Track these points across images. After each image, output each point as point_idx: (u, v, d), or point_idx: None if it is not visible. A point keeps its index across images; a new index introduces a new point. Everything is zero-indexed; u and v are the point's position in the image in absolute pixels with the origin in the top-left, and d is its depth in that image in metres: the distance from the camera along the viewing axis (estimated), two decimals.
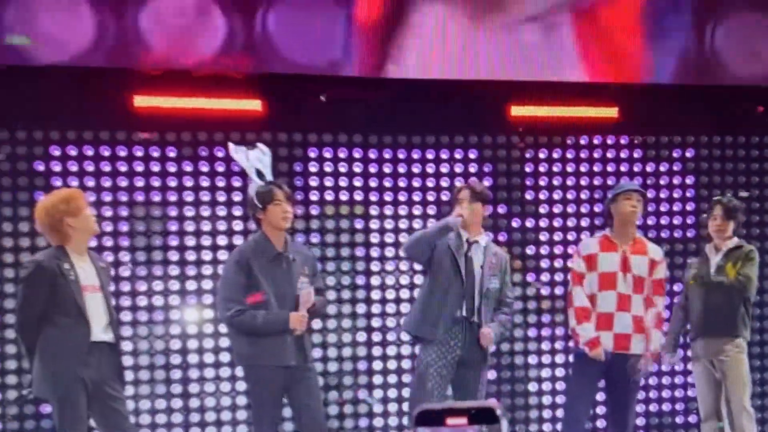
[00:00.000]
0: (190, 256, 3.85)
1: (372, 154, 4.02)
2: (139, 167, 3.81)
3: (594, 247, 3.34)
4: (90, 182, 3.73)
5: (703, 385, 3.54)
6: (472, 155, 4.10)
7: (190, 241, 3.86)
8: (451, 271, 3.14)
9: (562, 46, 3.99)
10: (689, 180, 4.31)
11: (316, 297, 3.08)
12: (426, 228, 3.36)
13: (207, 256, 3.86)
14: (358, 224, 4.00)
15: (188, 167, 3.85)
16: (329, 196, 3.98)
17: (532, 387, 4.14)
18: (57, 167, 3.74)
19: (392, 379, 3.98)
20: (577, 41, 4.02)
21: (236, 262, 3.04)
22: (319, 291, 3.17)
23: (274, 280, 3.01)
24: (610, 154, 4.25)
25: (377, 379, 3.99)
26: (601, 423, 4.04)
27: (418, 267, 3.77)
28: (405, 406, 3.82)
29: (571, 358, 3.81)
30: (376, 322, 4.00)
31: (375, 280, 4.01)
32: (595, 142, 4.23)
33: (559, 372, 4.13)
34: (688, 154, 4.32)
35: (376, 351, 3.99)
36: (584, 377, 3.37)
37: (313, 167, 3.96)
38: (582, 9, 4.03)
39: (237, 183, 3.88)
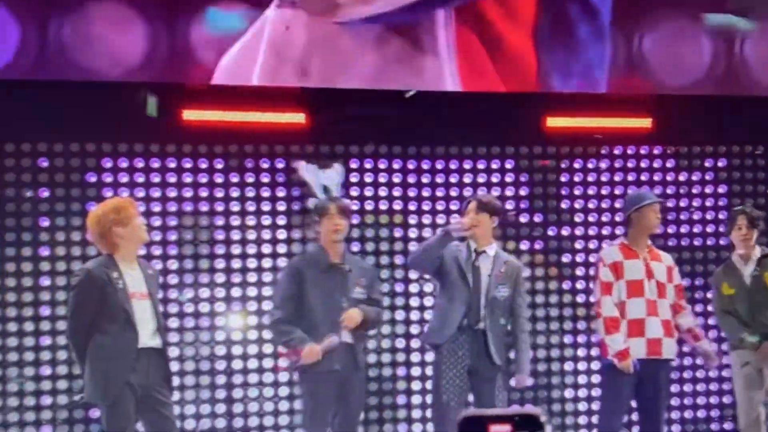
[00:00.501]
0: (236, 263, 3.57)
1: (411, 165, 3.71)
2: (188, 178, 3.55)
3: (617, 255, 3.06)
4: (140, 193, 3.47)
5: (748, 392, 3.18)
6: (508, 165, 3.77)
7: (236, 250, 3.58)
8: (457, 281, 2.94)
9: (599, 59, 3.65)
10: (722, 189, 3.94)
11: (369, 308, 2.90)
12: (421, 244, 3.09)
13: (252, 263, 3.57)
14: (398, 233, 3.69)
15: (234, 178, 3.58)
16: (369, 206, 3.67)
17: (568, 393, 3.76)
18: (108, 178, 3.49)
19: (416, 385, 3.62)
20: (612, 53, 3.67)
21: (289, 272, 2.95)
22: (375, 302, 2.99)
23: (325, 290, 2.87)
24: (644, 164, 3.90)
25: (416, 385, 3.64)
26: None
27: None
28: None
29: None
30: (415, 329, 3.66)
31: (414, 288, 3.68)
32: (629, 152, 3.88)
33: (595, 378, 3.74)
34: (720, 164, 3.95)
35: (415, 357, 3.65)
36: (616, 389, 3.05)
37: (354, 178, 3.65)
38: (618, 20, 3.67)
39: (281, 193, 3.60)
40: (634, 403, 3.21)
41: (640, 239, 3.08)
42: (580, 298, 3.79)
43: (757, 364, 3.20)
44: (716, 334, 3.76)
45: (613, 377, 3.02)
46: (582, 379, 3.77)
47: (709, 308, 3.85)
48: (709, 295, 3.84)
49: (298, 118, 3.57)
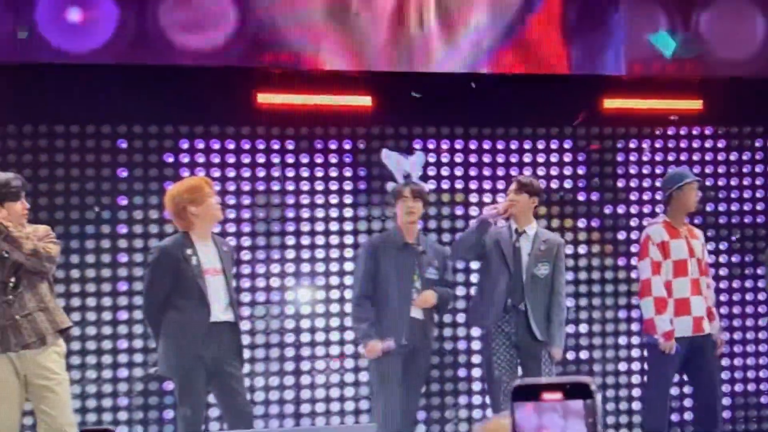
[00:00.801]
0: (305, 240, 2.86)
1: (472, 145, 2.95)
2: (261, 159, 2.85)
3: (664, 234, 2.53)
4: (216, 173, 2.77)
5: None
6: (566, 145, 2.99)
7: (305, 227, 2.87)
8: (499, 262, 2.52)
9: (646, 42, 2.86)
10: None
11: (442, 290, 2.51)
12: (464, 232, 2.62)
13: (320, 240, 2.86)
14: (459, 211, 2.94)
15: (305, 159, 2.86)
16: (432, 186, 2.93)
17: (622, 366, 2.99)
18: (185, 159, 2.80)
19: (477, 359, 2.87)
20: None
21: (366, 249, 2.56)
22: (447, 283, 2.59)
23: (399, 268, 2.47)
24: (695, 144, 3.07)
25: (476, 358, 2.91)
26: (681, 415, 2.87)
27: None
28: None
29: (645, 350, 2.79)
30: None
31: (474, 264, 2.94)
32: (682, 132, 3.07)
33: (635, 352, 2.97)
34: None
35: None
36: (663, 365, 2.50)
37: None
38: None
39: (348, 173, 2.87)
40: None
41: (679, 217, 2.57)
42: (635, 274, 3.02)
43: None
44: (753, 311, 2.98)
45: (660, 354, 2.47)
46: (636, 353, 2.99)
47: (760, 284, 3.07)
48: (759, 271, 3.07)
49: (364, 101, 2.87)
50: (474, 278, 2.88)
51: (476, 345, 2.92)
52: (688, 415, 2.97)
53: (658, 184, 3.05)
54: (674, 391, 2.86)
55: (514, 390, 0.58)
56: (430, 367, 2.66)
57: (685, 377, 2.68)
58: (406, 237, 2.49)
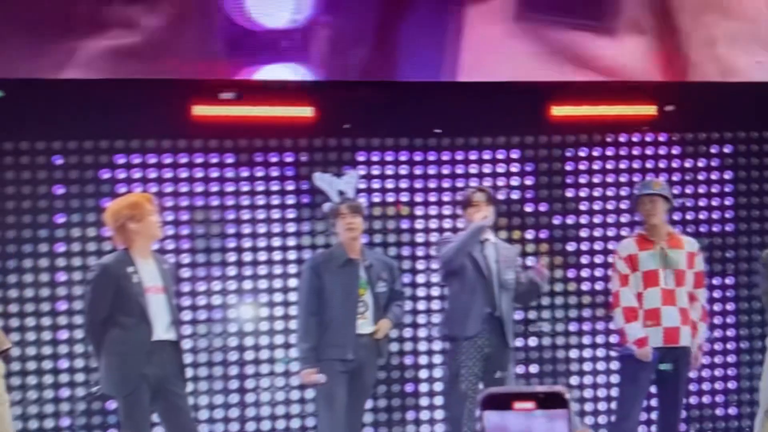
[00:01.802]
0: (247, 257, 3.64)
1: (417, 157, 3.74)
2: (199, 173, 3.61)
3: (633, 247, 3.14)
4: (153, 188, 3.53)
5: None
6: (514, 155, 3.79)
7: (247, 243, 3.65)
8: (473, 272, 3.08)
9: (600, 45, 3.64)
10: (727, 175, 3.94)
11: (396, 310, 3.13)
12: (458, 237, 3.19)
13: (262, 256, 3.65)
14: (404, 224, 3.73)
15: (245, 173, 3.63)
16: (376, 198, 3.71)
17: (574, 381, 3.81)
18: (122, 175, 3.56)
19: (437, 373, 3.69)
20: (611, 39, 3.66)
21: (309, 266, 3.15)
22: (398, 294, 3.20)
23: (344, 284, 3.06)
24: (649, 152, 3.90)
25: (423, 374, 3.71)
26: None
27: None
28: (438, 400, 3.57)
29: (613, 363, 3.58)
30: (422, 319, 3.72)
31: (420, 278, 3.73)
32: (635, 140, 3.89)
33: (601, 366, 3.80)
34: (726, 150, 3.94)
35: (422, 346, 3.72)
36: (635, 376, 3.13)
37: (361, 170, 3.68)
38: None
39: (290, 186, 3.65)
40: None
41: (653, 228, 3.12)
42: (586, 286, 3.83)
43: None
44: (724, 321, 3.80)
45: (632, 365, 3.10)
46: (587, 367, 3.81)
47: (715, 295, 3.89)
48: (715, 281, 3.88)
49: (305, 111, 3.61)
50: (434, 291, 3.65)
51: (423, 359, 3.71)
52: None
53: (609, 193, 3.87)
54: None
55: (484, 399, 0.69)
56: (375, 384, 3.31)
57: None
58: (349, 253, 3.07)
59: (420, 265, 3.72)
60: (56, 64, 3.33)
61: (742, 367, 3.85)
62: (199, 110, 3.55)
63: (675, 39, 3.69)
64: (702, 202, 3.92)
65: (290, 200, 3.63)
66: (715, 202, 3.93)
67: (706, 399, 3.86)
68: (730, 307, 3.90)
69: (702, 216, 3.93)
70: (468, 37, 3.52)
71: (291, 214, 3.65)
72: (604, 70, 3.68)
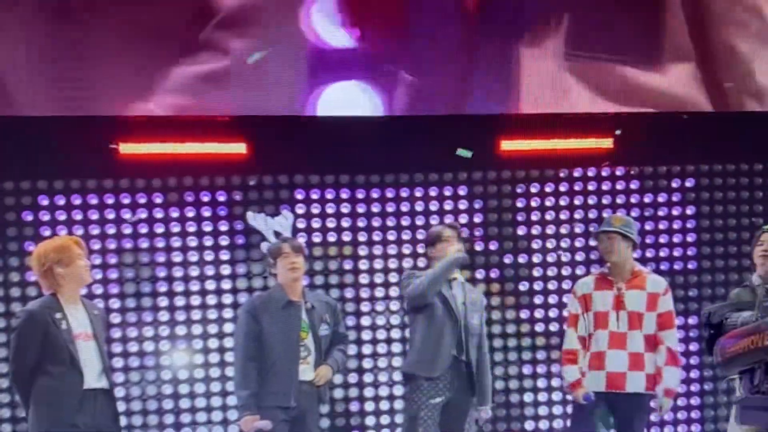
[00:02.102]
0: (179, 301, 4.33)
1: (359, 194, 4.48)
2: (127, 214, 4.32)
3: (589, 287, 3.64)
4: (79, 230, 4.22)
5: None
6: (461, 192, 4.54)
7: (179, 287, 4.34)
8: (443, 309, 3.52)
9: (553, 77, 4.45)
10: (689, 210, 4.69)
11: (337, 356, 3.58)
12: (430, 270, 3.65)
13: (196, 300, 4.34)
14: (348, 265, 4.46)
15: (175, 213, 4.34)
16: (317, 238, 4.44)
17: (529, 426, 4.55)
18: (45, 216, 4.26)
19: (385, 420, 4.42)
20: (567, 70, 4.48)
21: (247, 309, 3.56)
22: (341, 336, 3.65)
23: (284, 328, 3.47)
24: (605, 187, 4.65)
25: (369, 421, 4.44)
26: None
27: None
28: None
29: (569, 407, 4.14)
30: (367, 364, 4.45)
31: (365, 321, 4.46)
32: (590, 174, 4.64)
33: (557, 410, 4.54)
34: (687, 184, 4.70)
35: (368, 392, 4.43)
36: (582, 419, 3.65)
37: (300, 209, 4.43)
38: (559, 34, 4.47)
39: (223, 227, 4.37)
40: None
41: (615, 267, 3.60)
42: (540, 328, 4.57)
43: None
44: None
45: (579, 408, 3.60)
46: (543, 411, 4.56)
47: (678, 335, 4.61)
48: (678, 321, 4.60)
49: (238, 148, 4.32)
50: (381, 335, 4.34)
51: (370, 406, 4.42)
52: None
53: (563, 230, 4.62)
54: None
55: None
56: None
57: None
58: (290, 295, 3.48)
59: (365, 307, 4.46)
60: None
61: (705, 410, 4.61)
62: (127, 148, 4.25)
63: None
64: (662, 239, 4.70)
65: (224, 241, 4.34)
66: (676, 239, 4.71)
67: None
68: (693, 347, 4.67)
69: (662, 253, 4.70)
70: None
71: (225, 255, 4.36)
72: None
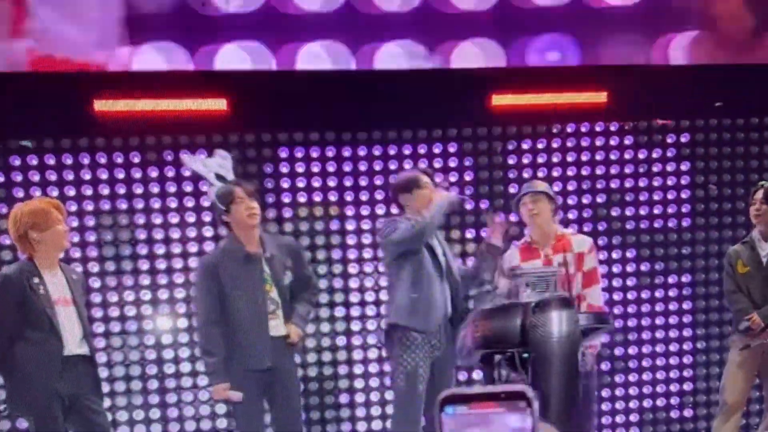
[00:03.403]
0: (161, 264, 4.25)
1: (346, 152, 4.39)
2: (104, 175, 4.20)
3: (515, 258, 3.62)
4: (53, 192, 4.11)
5: (740, 376, 3.85)
6: (451, 149, 4.46)
7: (160, 249, 4.26)
8: (431, 260, 3.41)
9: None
10: (684, 166, 4.66)
11: (303, 310, 3.40)
12: (427, 213, 3.46)
13: (178, 263, 4.26)
14: (334, 225, 4.39)
15: (154, 173, 4.23)
16: (302, 198, 4.35)
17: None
18: (18, 177, 4.13)
19: (374, 382, 4.41)
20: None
21: (203, 270, 3.37)
22: (306, 279, 3.44)
23: (247, 284, 3.30)
24: (599, 142, 4.60)
25: (358, 383, 4.42)
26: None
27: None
28: (388, 409, 4.23)
29: None
30: (355, 326, 4.42)
31: (353, 283, 4.42)
32: (583, 129, 4.58)
33: None
34: (683, 139, 4.66)
35: (357, 354, 4.41)
36: None
37: (284, 168, 4.33)
38: None
39: (205, 187, 4.22)
40: None
41: (540, 233, 3.60)
42: None
43: (757, 348, 3.75)
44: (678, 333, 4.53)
45: None
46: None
47: (671, 294, 4.67)
48: (671, 280, 4.66)
49: (218, 104, 4.20)
50: (369, 297, 4.31)
51: (358, 368, 4.40)
52: None
53: (556, 188, 4.56)
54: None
55: (442, 400, 0.79)
56: (300, 387, 3.72)
57: None
58: (247, 245, 3.29)
59: (352, 269, 4.39)
60: None
61: (698, 368, 4.65)
62: (101, 105, 4.10)
63: None
64: (657, 196, 4.67)
65: (206, 201, 4.21)
66: (670, 195, 4.68)
67: (660, 402, 4.66)
68: (686, 305, 4.69)
69: (657, 210, 4.68)
70: None
71: (207, 216, 4.24)
72: None
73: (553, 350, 2.35)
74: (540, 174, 4.55)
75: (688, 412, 4.65)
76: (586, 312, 3.41)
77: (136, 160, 4.22)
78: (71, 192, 4.18)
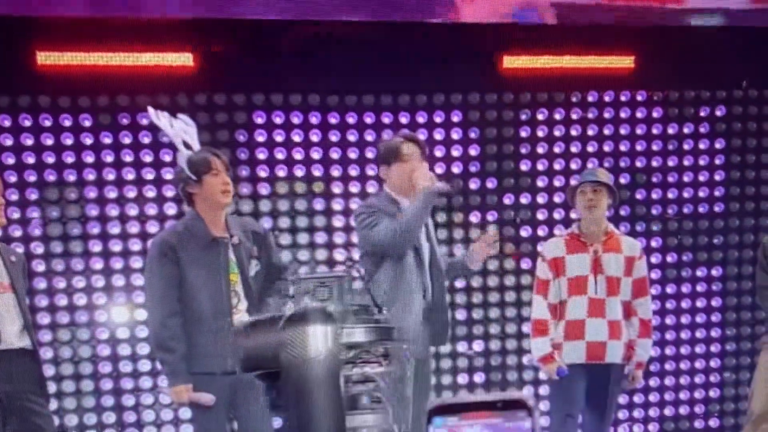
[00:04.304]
0: (115, 246, 3.72)
1: (333, 119, 3.83)
2: (49, 140, 3.64)
3: (560, 249, 3.29)
4: None
5: None
6: (455, 118, 3.92)
7: (114, 229, 3.73)
8: (410, 255, 2.94)
9: None
10: (718, 144, 4.15)
11: (273, 296, 2.92)
12: (404, 218, 2.93)
13: (135, 245, 3.73)
14: (318, 205, 3.85)
15: (107, 139, 3.68)
16: (281, 172, 3.81)
17: (526, 392, 4.07)
18: None
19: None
20: None
21: (159, 251, 2.85)
22: (277, 269, 2.98)
23: (209, 271, 2.84)
24: (623, 114, 4.08)
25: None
26: None
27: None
28: None
29: None
30: None
31: (339, 270, 3.88)
32: (606, 99, 4.06)
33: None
34: (718, 113, 4.15)
35: None
36: (561, 390, 3.31)
37: (260, 136, 3.77)
38: None
39: (168, 157, 3.71)
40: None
41: (590, 227, 3.27)
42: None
43: None
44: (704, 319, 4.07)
45: (559, 381, 3.26)
46: (543, 374, 4.05)
47: (699, 288, 4.16)
48: (699, 273, 4.15)
49: (184, 58, 3.64)
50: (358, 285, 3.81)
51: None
52: None
53: (574, 166, 4.04)
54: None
55: (433, 409, 0.73)
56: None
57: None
58: (212, 228, 2.79)
59: (338, 255, 3.86)
60: None
61: (726, 373, 4.16)
62: (47, 57, 3.55)
63: None
64: (686, 177, 4.14)
65: (168, 174, 3.69)
66: (702, 177, 4.16)
67: (683, 410, 4.18)
68: (715, 302, 4.18)
69: (686, 194, 4.15)
70: None
71: (170, 191, 3.72)
72: None
73: (307, 374, 1.79)
74: (556, 150, 4.01)
75: (713, 422, 4.17)
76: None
77: (87, 123, 3.65)
78: (10, 160, 3.62)
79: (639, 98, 4.08)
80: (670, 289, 4.14)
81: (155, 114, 2.88)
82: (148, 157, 3.71)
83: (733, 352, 4.18)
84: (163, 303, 2.84)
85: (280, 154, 3.80)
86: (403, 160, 2.92)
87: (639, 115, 4.09)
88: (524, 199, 4.00)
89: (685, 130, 4.13)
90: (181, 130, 2.87)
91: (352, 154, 3.85)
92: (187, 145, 2.86)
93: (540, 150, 4.00)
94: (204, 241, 2.83)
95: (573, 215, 3.99)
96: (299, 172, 3.82)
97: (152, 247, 2.90)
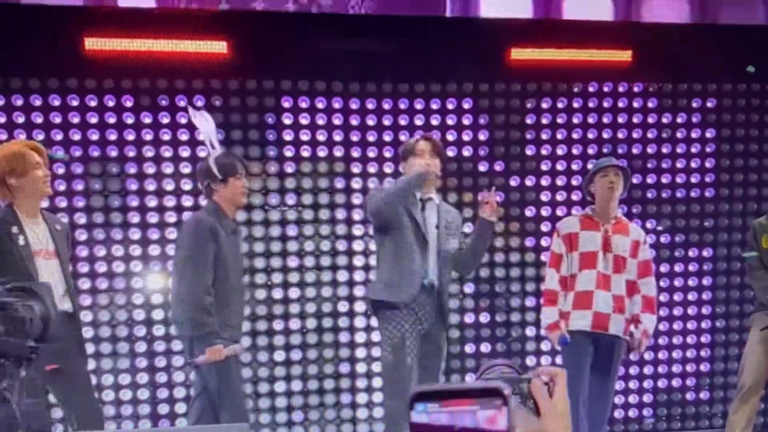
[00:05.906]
0: (152, 218, 3.99)
1: (353, 104, 4.11)
2: (93, 119, 3.91)
3: (575, 226, 3.54)
4: (39, 136, 3.84)
5: (760, 357, 3.71)
6: (466, 105, 4.18)
7: (152, 202, 3.99)
8: (413, 232, 3.23)
9: None
10: (709, 133, 4.40)
11: None
12: (393, 182, 3.35)
13: (171, 218, 4.00)
14: (339, 183, 4.11)
15: (147, 119, 3.95)
16: (306, 152, 4.07)
17: (530, 361, 4.33)
18: (1, 119, 3.85)
19: (360, 353, 4.16)
20: None
21: (201, 229, 3.13)
22: None
23: (235, 256, 3.22)
24: (621, 104, 4.34)
25: (360, 353, 4.17)
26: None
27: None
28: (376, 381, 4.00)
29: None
30: (359, 291, 4.16)
31: (358, 246, 4.15)
32: (606, 89, 4.32)
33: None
34: (709, 104, 4.41)
35: (359, 322, 4.16)
36: (572, 357, 3.53)
37: (287, 119, 4.05)
38: None
39: (202, 136, 3.96)
40: None
41: (604, 209, 3.53)
42: (546, 257, 4.30)
43: None
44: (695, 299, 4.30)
45: (569, 350, 3.50)
46: (546, 346, 4.33)
47: (691, 268, 4.43)
48: (691, 253, 4.42)
49: (218, 47, 3.91)
50: (373, 261, 4.06)
51: (360, 336, 4.15)
52: (632, 412, 4.28)
53: (575, 151, 4.32)
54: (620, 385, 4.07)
55: (413, 397, 0.76)
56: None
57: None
58: (232, 219, 3.24)
59: (357, 231, 4.13)
60: None
61: (716, 349, 4.42)
62: (92, 43, 3.81)
63: None
64: (679, 163, 4.41)
65: (203, 152, 3.95)
66: (694, 164, 4.43)
67: (675, 382, 4.44)
68: (706, 281, 4.45)
69: (679, 179, 4.43)
70: None
71: None
72: None
73: None
74: (559, 136, 4.29)
75: (704, 395, 4.44)
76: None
77: (129, 104, 3.93)
78: (58, 137, 3.89)
79: (636, 89, 4.35)
80: (663, 268, 4.41)
81: (194, 113, 3.24)
82: (184, 136, 3.99)
83: (722, 328, 4.44)
84: (207, 274, 3.10)
85: (305, 136, 4.09)
86: (417, 155, 3.27)
87: (635, 105, 4.37)
88: (529, 182, 4.28)
89: (679, 120, 4.40)
90: (211, 132, 3.23)
91: (371, 137, 4.14)
92: (212, 145, 3.22)
93: (544, 136, 4.28)
94: (230, 228, 3.21)
95: (574, 197, 4.29)
96: (322, 152, 4.11)
97: (192, 224, 3.20)
